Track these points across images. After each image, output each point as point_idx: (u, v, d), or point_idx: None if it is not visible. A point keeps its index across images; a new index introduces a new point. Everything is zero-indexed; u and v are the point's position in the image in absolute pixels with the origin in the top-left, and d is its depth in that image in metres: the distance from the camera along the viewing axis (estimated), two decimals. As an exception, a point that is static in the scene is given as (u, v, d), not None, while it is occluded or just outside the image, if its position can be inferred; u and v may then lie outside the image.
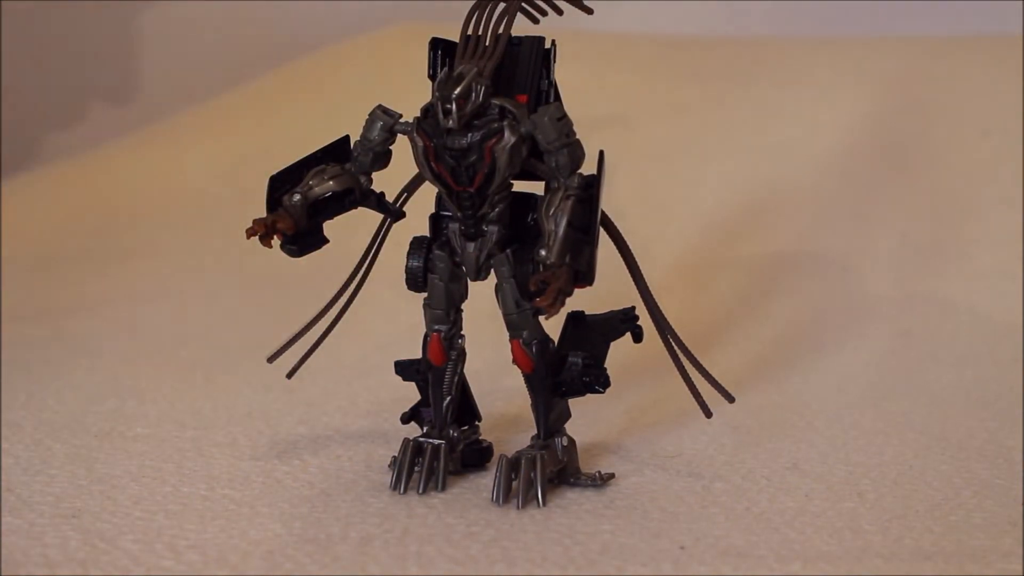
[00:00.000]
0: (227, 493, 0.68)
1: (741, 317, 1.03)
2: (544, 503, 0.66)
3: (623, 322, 0.69)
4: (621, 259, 0.68)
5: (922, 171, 1.20)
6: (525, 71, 0.67)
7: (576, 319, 0.69)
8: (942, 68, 1.30)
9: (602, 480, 0.69)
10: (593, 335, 0.69)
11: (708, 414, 0.69)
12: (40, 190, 1.34)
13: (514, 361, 0.68)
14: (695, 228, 1.17)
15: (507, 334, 0.68)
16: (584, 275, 0.64)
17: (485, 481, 0.70)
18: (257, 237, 0.66)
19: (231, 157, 1.28)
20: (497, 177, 0.64)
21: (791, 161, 1.23)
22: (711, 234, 1.16)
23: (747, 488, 0.70)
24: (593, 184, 0.64)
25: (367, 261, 0.72)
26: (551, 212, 0.64)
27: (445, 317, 0.69)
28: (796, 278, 1.10)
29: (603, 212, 0.66)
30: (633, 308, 0.69)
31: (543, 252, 0.63)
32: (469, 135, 0.64)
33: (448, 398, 0.70)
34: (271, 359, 0.74)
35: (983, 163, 1.20)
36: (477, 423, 0.73)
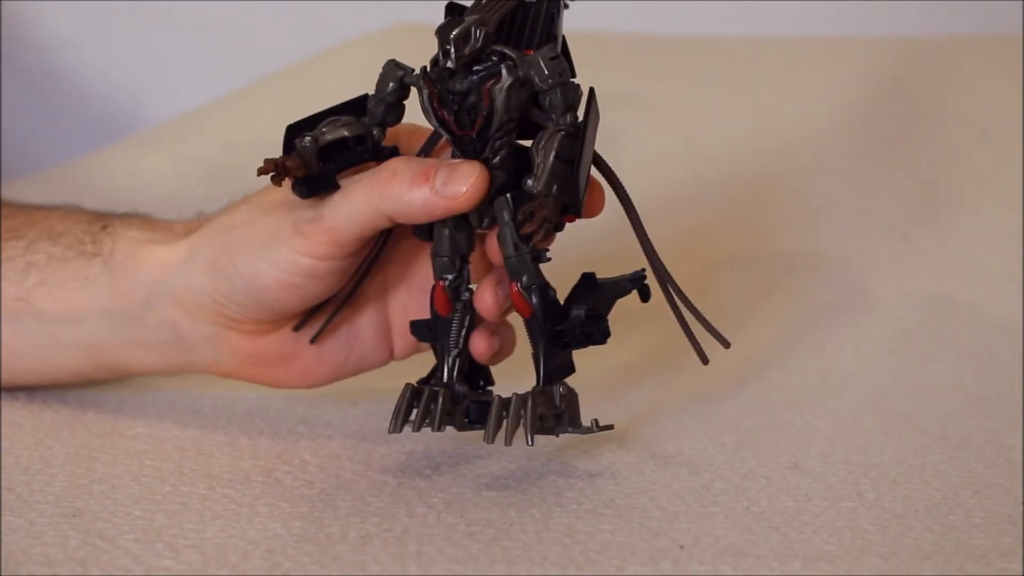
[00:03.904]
0: (227, 493, 0.68)
1: (741, 317, 1.03)
2: (532, 441, 0.66)
3: (631, 281, 0.69)
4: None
5: (922, 171, 1.20)
6: (534, 28, 0.67)
7: (587, 279, 0.69)
8: (942, 68, 1.30)
9: (598, 428, 0.69)
10: (601, 295, 0.69)
11: (704, 360, 0.69)
12: (40, 190, 1.34)
13: (513, 306, 0.68)
14: (695, 228, 1.17)
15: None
16: (572, 207, 0.65)
17: (485, 480, 0.69)
18: (269, 178, 0.67)
19: (231, 157, 1.28)
20: (496, 119, 0.65)
21: (791, 161, 1.23)
22: (711, 234, 1.16)
23: (747, 487, 0.70)
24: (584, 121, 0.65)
25: (371, 257, 0.72)
26: (541, 145, 0.65)
27: (451, 265, 0.69)
28: (796, 278, 1.10)
29: (600, 156, 0.67)
30: (643, 270, 0.69)
31: (530, 182, 0.64)
32: (469, 78, 0.65)
33: (455, 351, 0.70)
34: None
35: (983, 163, 1.20)
36: (489, 388, 0.72)
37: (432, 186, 0.66)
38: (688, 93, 1.33)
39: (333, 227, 0.69)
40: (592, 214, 0.69)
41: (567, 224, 0.67)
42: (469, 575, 0.59)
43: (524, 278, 0.68)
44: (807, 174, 1.21)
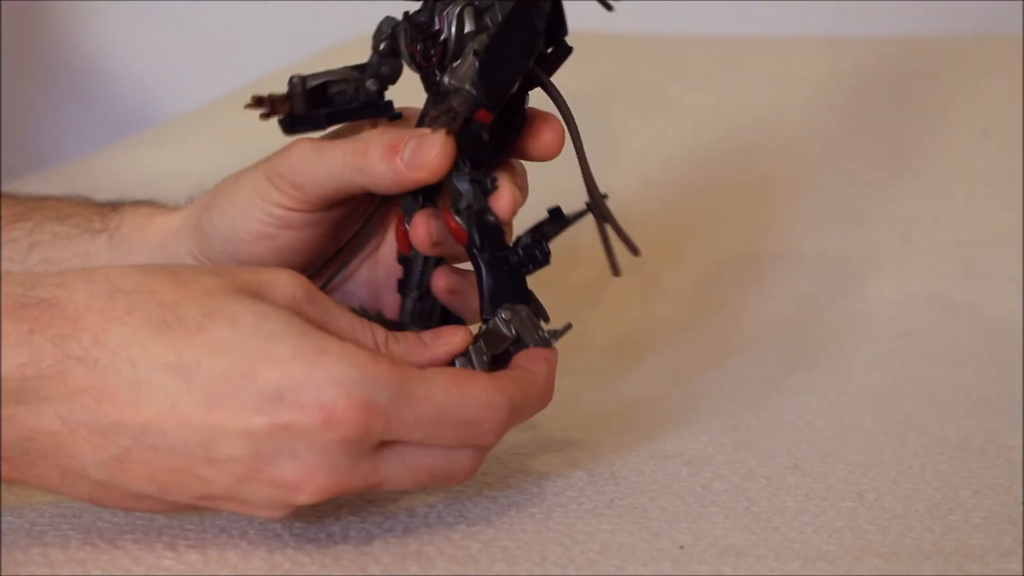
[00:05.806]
0: (227, 493, 0.68)
1: (741, 318, 1.03)
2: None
3: (578, 214, 0.69)
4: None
5: (922, 171, 1.20)
6: None
7: (554, 214, 0.69)
8: (942, 68, 1.30)
9: (557, 334, 0.67)
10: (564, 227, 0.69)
11: (616, 272, 0.67)
12: (41, 189, 1.34)
13: (449, 231, 0.68)
14: (696, 228, 1.17)
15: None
16: (482, 101, 0.65)
17: (486, 480, 0.69)
18: (258, 114, 0.69)
19: (231, 157, 1.28)
20: (450, 45, 0.66)
21: (791, 161, 1.23)
22: (711, 234, 1.16)
23: (747, 488, 0.70)
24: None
25: (366, 222, 0.72)
26: (466, 49, 0.66)
27: (414, 202, 0.69)
28: (795, 278, 1.10)
29: (540, 72, 0.67)
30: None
31: (447, 79, 0.66)
32: (432, 9, 0.67)
33: (415, 294, 0.69)
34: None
35: (983, 163, 1.20)
36: None
37: (401, 158, 0.67)
38: (690, 93, 1.33)
39: (303, 184, 0.69)
40: (547, 150, 0.69)
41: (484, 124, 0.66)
42: (469, 575, 0.59)
43: (461, 202, 0.67)
44: (807, 174, 1.21)
